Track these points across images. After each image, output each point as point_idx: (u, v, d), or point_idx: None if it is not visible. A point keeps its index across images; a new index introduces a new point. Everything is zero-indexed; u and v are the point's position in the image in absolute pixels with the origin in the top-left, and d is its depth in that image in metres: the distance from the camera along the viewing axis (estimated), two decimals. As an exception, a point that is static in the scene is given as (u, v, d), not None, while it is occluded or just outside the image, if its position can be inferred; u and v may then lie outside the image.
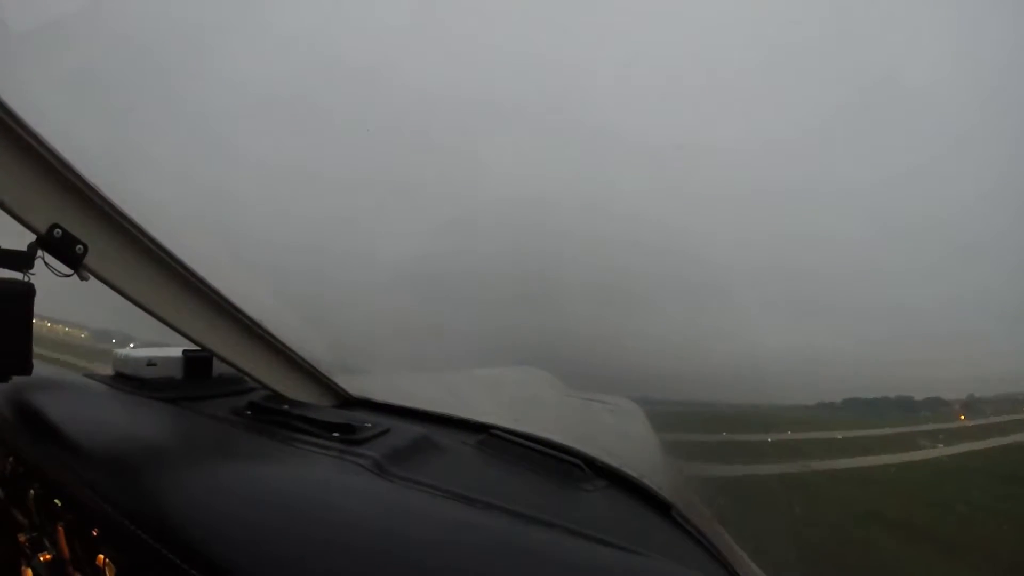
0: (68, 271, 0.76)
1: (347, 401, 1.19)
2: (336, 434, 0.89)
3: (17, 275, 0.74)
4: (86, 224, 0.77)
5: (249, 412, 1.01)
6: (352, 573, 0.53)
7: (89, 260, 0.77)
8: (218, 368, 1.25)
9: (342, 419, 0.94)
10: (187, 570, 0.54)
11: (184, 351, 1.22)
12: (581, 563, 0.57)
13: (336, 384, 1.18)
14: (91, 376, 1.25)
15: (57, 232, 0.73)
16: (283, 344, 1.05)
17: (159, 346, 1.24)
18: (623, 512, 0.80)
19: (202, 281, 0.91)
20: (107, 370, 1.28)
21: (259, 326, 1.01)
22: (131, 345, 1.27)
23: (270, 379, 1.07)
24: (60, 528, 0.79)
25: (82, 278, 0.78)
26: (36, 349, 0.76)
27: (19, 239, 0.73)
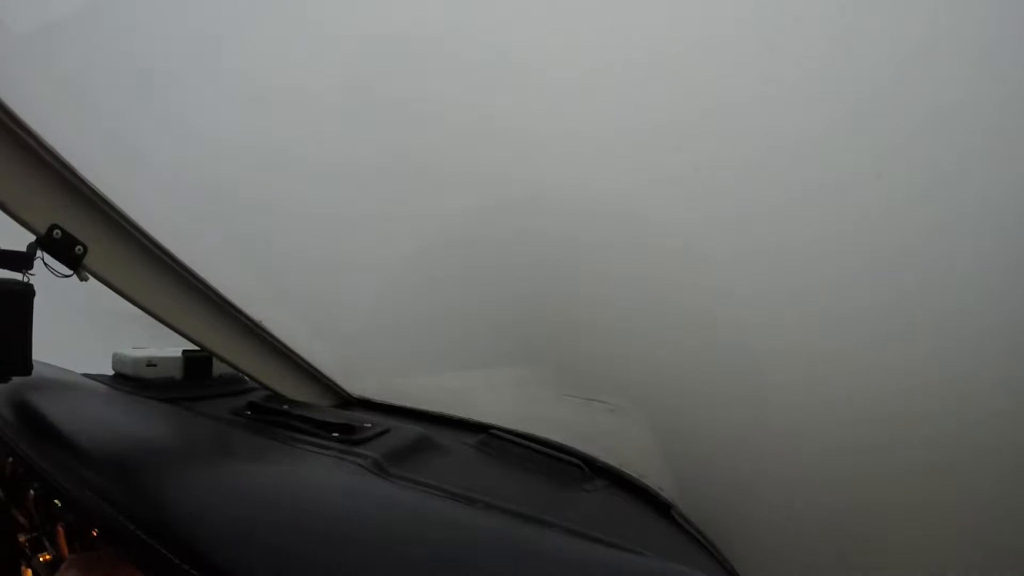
0: (68, 271, 0.76)
1: (347, 401, 1.20)
2: (336, 434, 0.89)
3: (16, 275, 0.74)
4: (86, 224, 0.77)
5: (249, 412, 1.01)
6: (352, 573, 0.53)
7: (89, 260, 0.77)
8: (218, 368, 1.25)
9: (342, 419, 0.94)
10: (187, 570, 0.54)
11: (184, 351, 1.22)
12: (581, 563, 0.57)
13: (336, 384, 1.18)
14: (91, 376, 1.25)
15: (57, 232, 0.73)
16: (283, 344, 1.05)
17: (159, 346, 1.25)
18: (623, 512, 0.80)
19: (202, 281, 0.91)
20: (107, 370, 1.28)
21: (259, 326, 1.01)
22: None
23: (270, 379, 1.07)
24: (60, 528, 0.79)
25: (82, 278, 0.78)
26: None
27: (19, 239, 0.73)
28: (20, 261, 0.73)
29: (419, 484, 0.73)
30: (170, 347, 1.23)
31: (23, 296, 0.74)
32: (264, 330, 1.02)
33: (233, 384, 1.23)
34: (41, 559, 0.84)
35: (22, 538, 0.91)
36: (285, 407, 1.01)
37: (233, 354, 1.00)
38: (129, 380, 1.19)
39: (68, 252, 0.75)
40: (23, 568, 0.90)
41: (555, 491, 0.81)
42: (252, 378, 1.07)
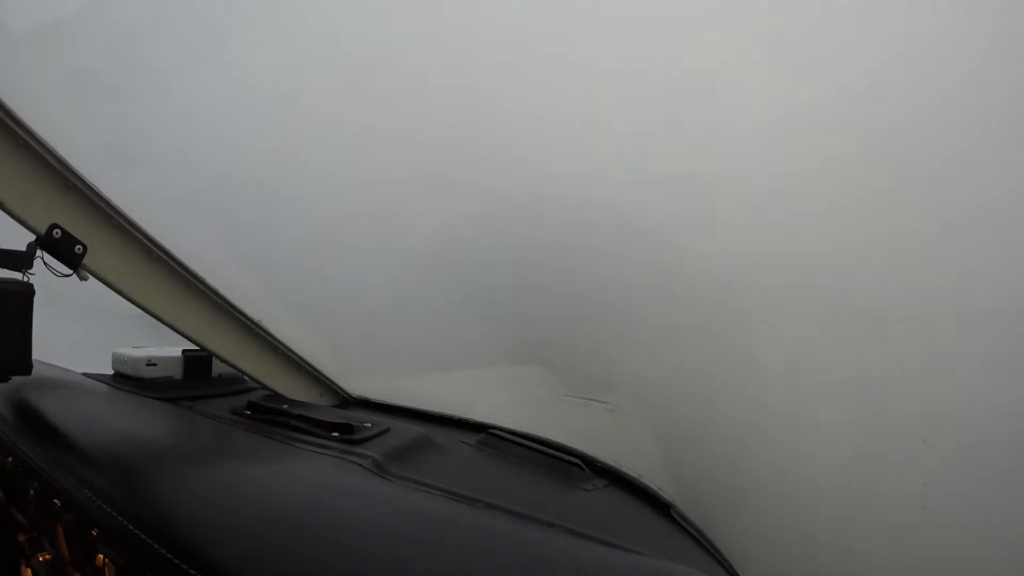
0: (67, 271, 0.76)
1: (346, 401, 1.20)
2: (335, 434, 0.89)
3: (16, 275, 0.74)
4: (86, 224, 0.77)
5: (248, 412, 1.01)
6: (351, 573, 0.53)
7: (88, 260, 0.77)
8: (218, 368, 1.25)
9: (341, 419, 0.94)
10: (186, 570, 0.54)
11: (184, 351, 1.22)
12: (581, 563, 0.57)
13: (335, 384, 1.18)
14: (91, 376, 1.25)
15: (56, 232, 0.73)
16: (283, 344, 1.05)
17: (159, 346, 1.25)
18: (623, 512, 0.80)
19: (202, 281, 0.91)
20: (107, 370, 1.28)
21: (259, 326, 1.01)
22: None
23: (270, 379, 1.07)
24: (59, 528, 0.79)
25: (81, 278, 0.78)
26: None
27: (19, 239, 0.74)
28: (20, 260, 0.73)
29: (419, 484, 0.73)
30: (170, 347, 1.24)
31: (23, 295, 0.74)
32: (264, 330, 1.02)
33: (233, 384, 1.23)
34: (41, 559, 0.84)
35: (22, 538, 0.91)
36: (285, 406, 1.01)
37: (233, 354, 1.00)
38: (129, 379, 1.19)
39: (68, 252, 0.75)
40: (23, 568, 0.90)
41: (555, 491, 0.81)
42: (252, 378, 1.07)
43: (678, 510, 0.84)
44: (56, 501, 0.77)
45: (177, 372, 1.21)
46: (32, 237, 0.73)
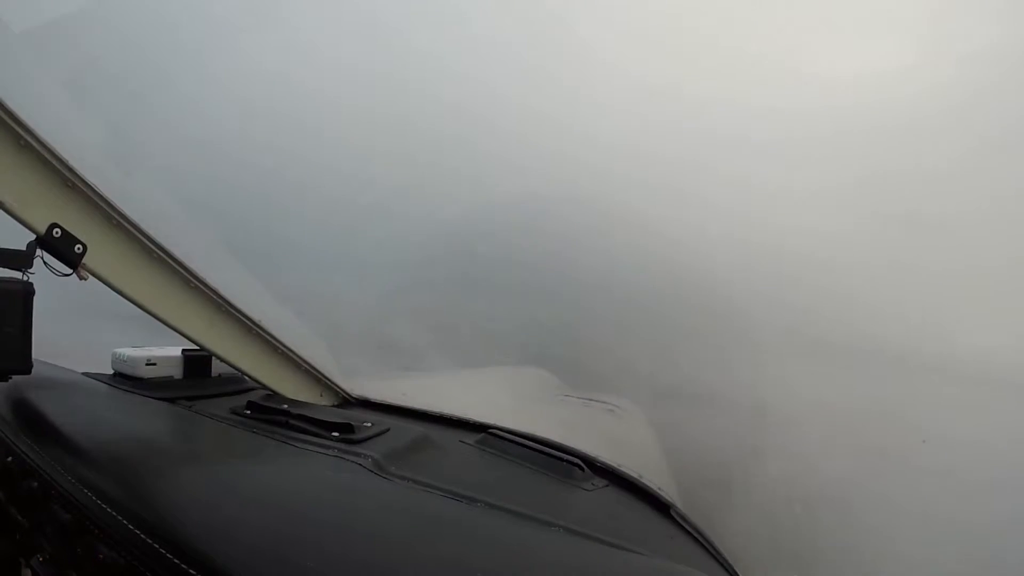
0: (67, 271, 0.76)
1: (346, 401, 1.20)
2: (335, 433, 0.89)
3: (16, 274, 0.74)
4: (85, 224, 0.77)
5: (248, 412, 1.01)
6: (351, 572, 0.53)
7: (88, 260, 0.77)
8: (217, 368, 1.25)
9: (341, 418, 0.94)
10: (185, 570, 0.54)
11: (183, 351, 1.22)
12: (581, 562, 0.57)
13: (335, 384, 1.17)
14: (90, 375, 1.25)
15: (56, 232, 0.73)
16: (283, 344, 1.05)
17: (159, 346, 1.24)
18: (623, 511, 0.80)
19: (202, 281, 0.91)
20: (107, 369, 1.28)
21: (259, 326, 1.01)
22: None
23: (270, 379, 1.06)
24: (59, 528, 0.79)
25: (81, 277, 0.78)
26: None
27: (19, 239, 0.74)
28: (20, 260, 0.73)
29: (419, 483, 0.73)
30: (170, 347, 1.23)
31: (23, 295, 0.74)
32: (264, 330, 1.02)
33: (233, 383, 1.23)
34: (39, 558, 0.84)
35: (21, 537, 0.91)
36: (285, 407, 1.01)
37: (233, 354, 1.00)
38: (128, 379, 1.19)
39: (68, 251, 0.75)
40: (22, 567, 0.90)
41: (555, 490, 0.81)
42: (252, 378, 1.07)
43: (678, 510, 0.84)
44: (56, 501, 0.77)
45: (177, 372, 1.21)
46: (32, 236, 0.73)
